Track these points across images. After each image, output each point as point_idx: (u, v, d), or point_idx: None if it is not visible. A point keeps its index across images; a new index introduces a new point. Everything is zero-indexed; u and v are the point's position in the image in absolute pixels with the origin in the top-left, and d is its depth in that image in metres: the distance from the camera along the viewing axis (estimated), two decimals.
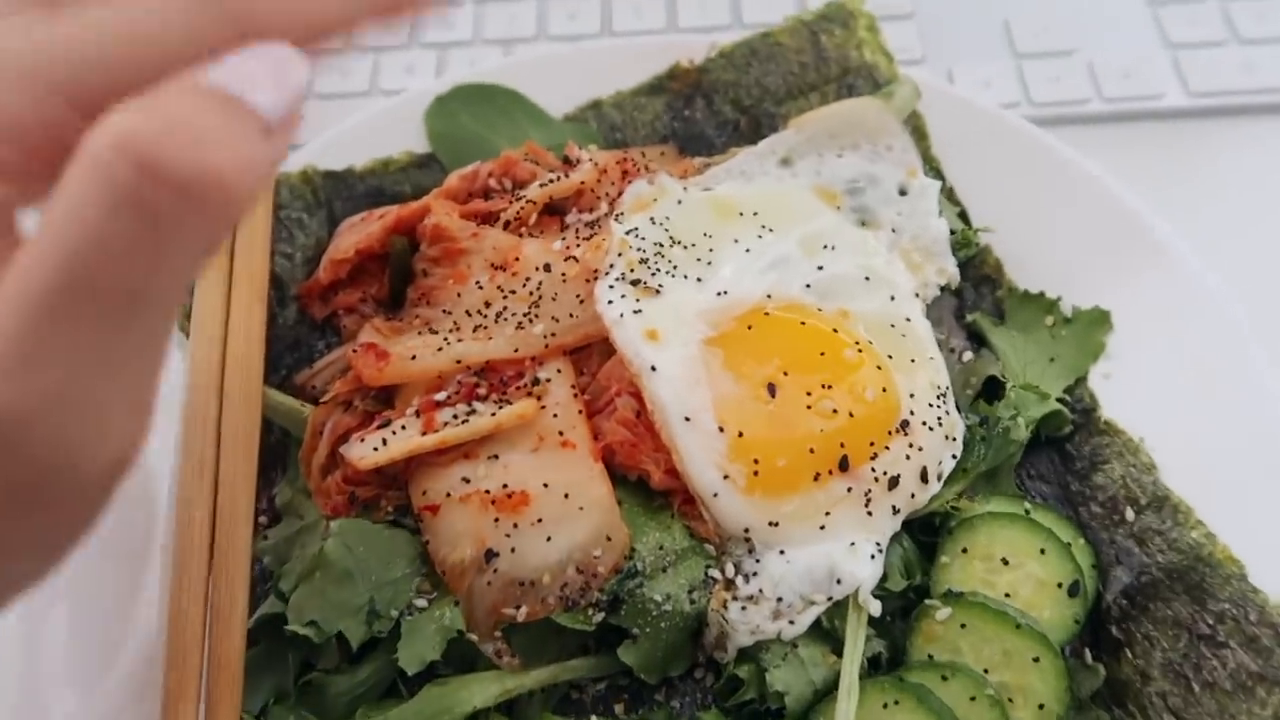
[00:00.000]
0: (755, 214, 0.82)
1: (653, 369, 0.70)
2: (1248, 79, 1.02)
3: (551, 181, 0.85)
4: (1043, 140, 0.88)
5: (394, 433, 0.71)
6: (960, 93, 0.93)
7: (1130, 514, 0.72)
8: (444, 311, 0.79)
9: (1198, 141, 1.01)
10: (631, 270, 0.76)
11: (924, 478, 0.71)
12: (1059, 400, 0.78)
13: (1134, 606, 0.68)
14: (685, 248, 0.79)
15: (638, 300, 0.74)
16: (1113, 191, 0.85)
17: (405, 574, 0.68)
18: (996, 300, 0.86)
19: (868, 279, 0.79)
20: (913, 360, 0.75)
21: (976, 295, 0.86)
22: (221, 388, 0.77)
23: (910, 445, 0.71)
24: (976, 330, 0.83)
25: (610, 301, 0.74)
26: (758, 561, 0.68)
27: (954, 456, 0.73)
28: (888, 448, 0.70)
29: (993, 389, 0.78)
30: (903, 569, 0.69)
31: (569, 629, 0.65)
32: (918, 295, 0.81)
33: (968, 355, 0.82)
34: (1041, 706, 0.62)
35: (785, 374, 0.71)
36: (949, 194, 0.90)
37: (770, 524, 0.68)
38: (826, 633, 0.66)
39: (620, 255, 0.77)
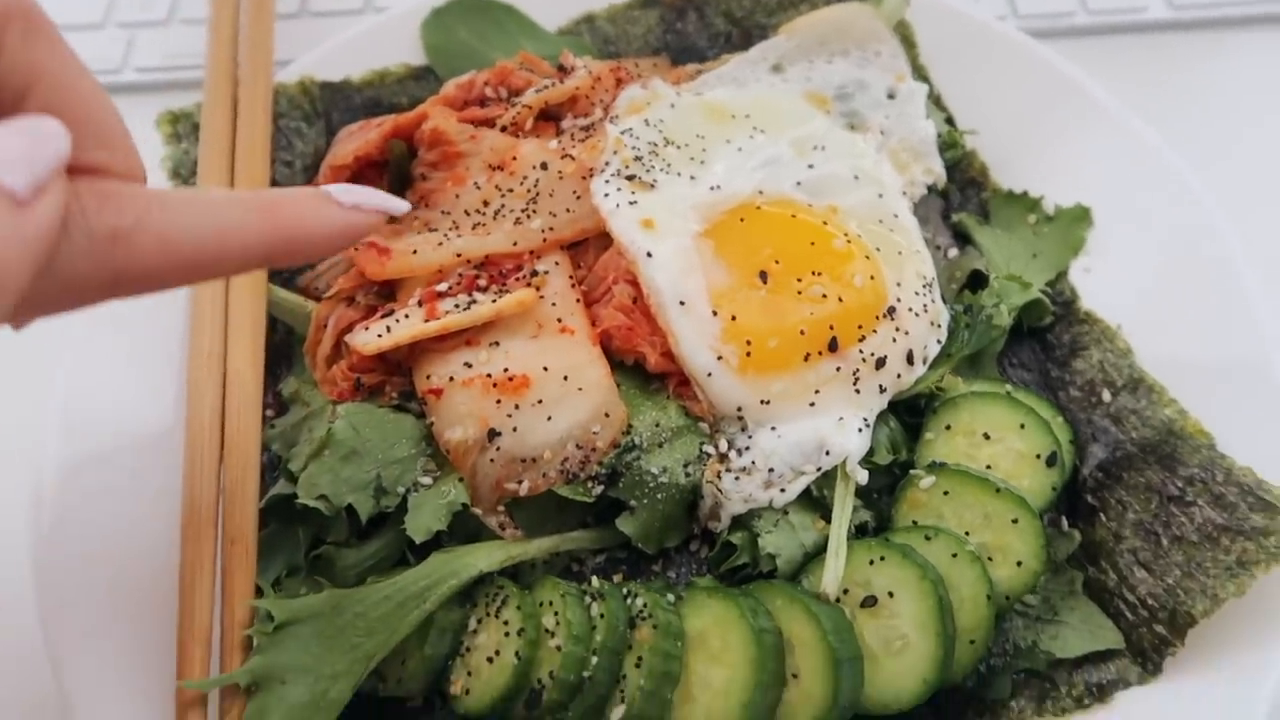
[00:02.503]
0: (747, 117, 0.84)
1: (649, 255, 0.73)
2: None
3: (547, 88, 0.87)
4: (1026, 45, 0.90)
5: (398, 320, 0.73)
6: (947, 1, 0.94)
7: (1107, 395, 0.75)
8: (443, 213, 0.81)
9: (1181, 54, 1.03)
10: (626, 166, 0.78)
11: (910, 360, 0.73)
12: (1041, 292, 0.80)
13: (1109, 477, 0.71)
14: (679, 147, 0.81)
15: (633, 193, 0.76)
16: (1092, 93, 0.87)
17: (411, 454, 0.70)
18: (982, 202, 0.88)
19: (857, 178, 0.81)
20: (900, 252, 0.78)
21: (962, 198, 0.88)
22: (227, 286, 0.79)
23: (897, 329, 0.73)
24: (962, 230, 0.86)
25: (606, 194, 0.76)
26: (750, 437, 0.70)
27: (939, 341, 0.76)
28: (875, 331, 0.73)
29: (977, 282, 0.81)
30: (889, 446, 0.72)
31: (570, 502, 0.68)
32: (905, 193, 0.83)
33: (953, 252, 0.84)
34: (1020, 564, 0.65)
35: (776, 262, 0.74)
36: (936, 100, 0.92)
37: (762, 402, 0.70)
38: (816, 501, 0.69)
39: (616, 153, 0.79)
